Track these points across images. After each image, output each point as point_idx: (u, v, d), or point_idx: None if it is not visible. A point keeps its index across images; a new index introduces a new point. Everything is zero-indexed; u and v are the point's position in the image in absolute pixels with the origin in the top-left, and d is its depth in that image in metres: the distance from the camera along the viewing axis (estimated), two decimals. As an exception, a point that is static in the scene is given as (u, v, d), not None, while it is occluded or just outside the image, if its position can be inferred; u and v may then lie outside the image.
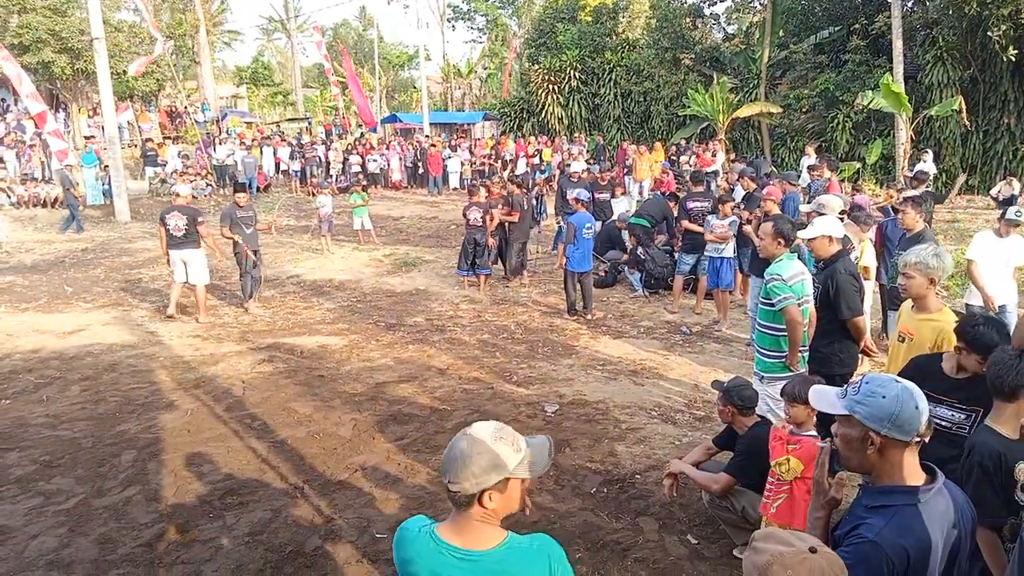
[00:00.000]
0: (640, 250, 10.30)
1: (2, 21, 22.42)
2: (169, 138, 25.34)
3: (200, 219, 9.35)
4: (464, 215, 10.79)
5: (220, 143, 24.57)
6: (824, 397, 2.08)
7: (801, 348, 4.48)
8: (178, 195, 9.70)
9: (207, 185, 21.79)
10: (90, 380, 7.13)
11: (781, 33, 22.34)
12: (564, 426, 5.84)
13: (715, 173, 17.60)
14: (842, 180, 15.09)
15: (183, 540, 4.28)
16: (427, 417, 6.07)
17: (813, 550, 1.53)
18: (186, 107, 29.16)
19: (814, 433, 3.57)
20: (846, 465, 2.08)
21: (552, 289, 10.78)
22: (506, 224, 10.89)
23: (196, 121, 27.52)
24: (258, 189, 22.33)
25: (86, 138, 22.08)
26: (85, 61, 21.45)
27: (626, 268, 10.60)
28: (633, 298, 10.11)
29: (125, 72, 23.48)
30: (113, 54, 20.51)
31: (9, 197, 18.91)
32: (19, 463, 5.34)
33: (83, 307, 10.08)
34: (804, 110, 21.28)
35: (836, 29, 21.43)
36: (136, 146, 25.00)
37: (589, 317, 9.11)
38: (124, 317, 9.51)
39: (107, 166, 17.93)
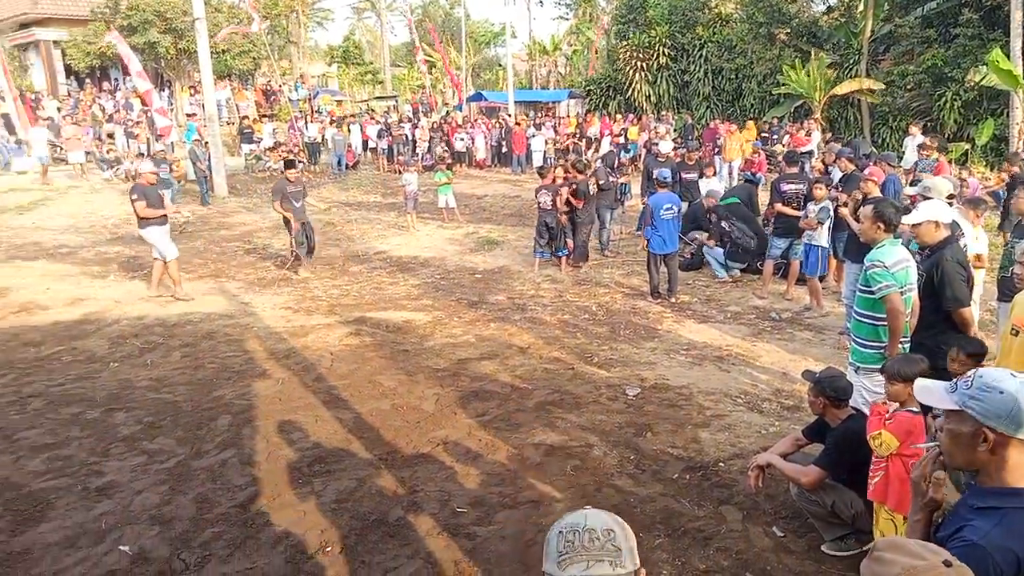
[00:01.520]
0: (724, 223, 9.97)
1: (114, 3, 23.60)
2: (265, 116, 26.23)
3: (134, 196, 9.10)
4: (536, 197, 10.73)
5: (311, 121, 25.29)
6: (931, 392, 1.96)
7: (902, 339, 4.25)
8: (140, 173, 9.59)
9: (299, 162, 22.45)
10: (190, 347, 7.51)
11: (886, 6, 21.11)
12: (646, 410, 5.77)
13: (809, 154, 16.91)
14: (949, 162, 14.21)
15: (273, 504, 4.47)
16: (508, 395, 6.11)
17: (948, 563, 1.41)
18: (280, 86, 30.09)
19: (915, 409, 3.41)
20: (949, 462, 1.96)
21: (635, 271, 10.63)
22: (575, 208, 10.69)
23: (289, 99, 28.37)
24: (347, 166, 22.88)
25: (187, 115, 23.10)
26: (188, 41, 22.39)
27: (706, 246, 10.24)
28: (720, 282, 9.84)
29: (225, 51, 24.39)
30: (213, 34, 21.31)
31: (113, 169, 20.00)
32: (125, 423, 5.68)
33: (184, 277, 10.58)
34: (908, 87, 20.07)
35: (946, 1, 20.08)
36: (233, 124, 25.99)
37: (673, 301, 8.93)
38: (221, 288, 9.96)
39: (207, 142, 18.69)
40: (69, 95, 27.73)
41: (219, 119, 22.11)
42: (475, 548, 3.96)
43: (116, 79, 29.59)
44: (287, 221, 10.62)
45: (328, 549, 3.99)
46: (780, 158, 9.45)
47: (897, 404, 3.50)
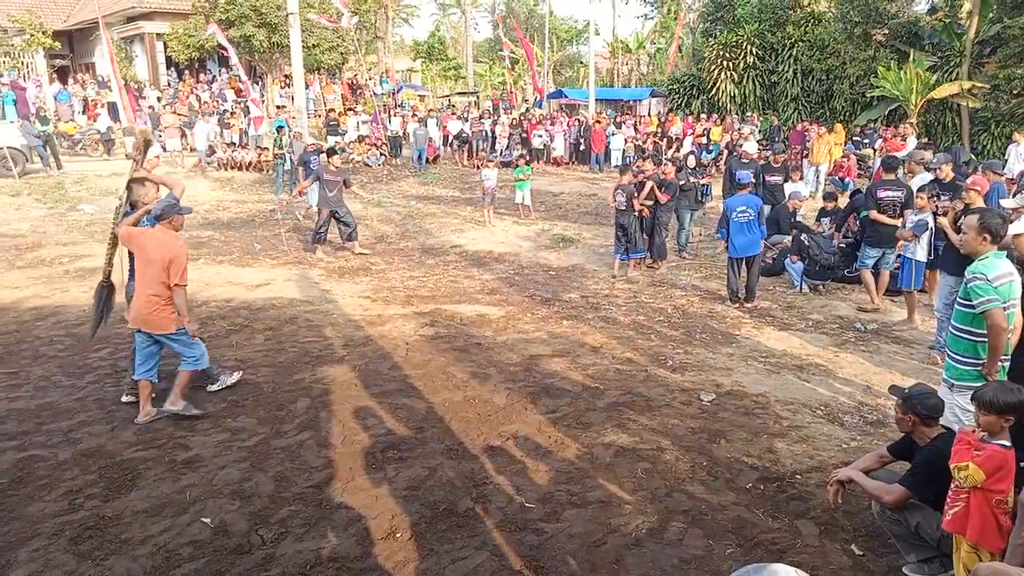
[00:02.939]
0: (804, 236, 9.64)
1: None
2: (351, 109, 26.89)
3: None
4: (612, 196, 10.32)
5: (394, 115, 25.77)
6: None
7: (1003, 357, 4.02)
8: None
9: (381, 155, 22.96)
10: (272, 331, 7.77)
11: (995, 6, 19.95)
12: (720, 416, 5.65)
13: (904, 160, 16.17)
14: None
15: (347, 487, 4.59)
16: (579, 393, 6.08)
17: None
18: (367, 80, 30.77)
19: (1006, 443, 3.22)
20: None
21: (713, 274, 10.41)
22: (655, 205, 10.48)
23: (374, 93, 28.98)
24: (427, 160, 23.23)
25: (278, 107, 23.90)
26: (280, 35, 23.16)
27: (787, 258, 9.94)
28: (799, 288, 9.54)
29: (315, 46, 25.09)
30: (305, 28, 21.96)
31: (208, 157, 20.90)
32: (211, 400, 5.93)
33: (269, 263, 10.98)
34: (1015, 92, 18.91)
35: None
36: (320, 116, 26.74)
37: (749, 307, 8.70)
38: (303, 275, 10.27)
39: (299, 133, 19.31)
40: (169, 85, 29.11)
41: (307, 112, 22.81)
42: (542, 544, 3.96)
43: (212, 71, 30.86)
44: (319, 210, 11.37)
45: (398, 535, 4.07)
46: (880, 164, 8.95)
47: (986, 434, 3.31)
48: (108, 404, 5.84)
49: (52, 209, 15.21)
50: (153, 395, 5.62)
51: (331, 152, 11.70)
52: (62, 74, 29.81)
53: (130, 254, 5.76)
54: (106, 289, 6.28)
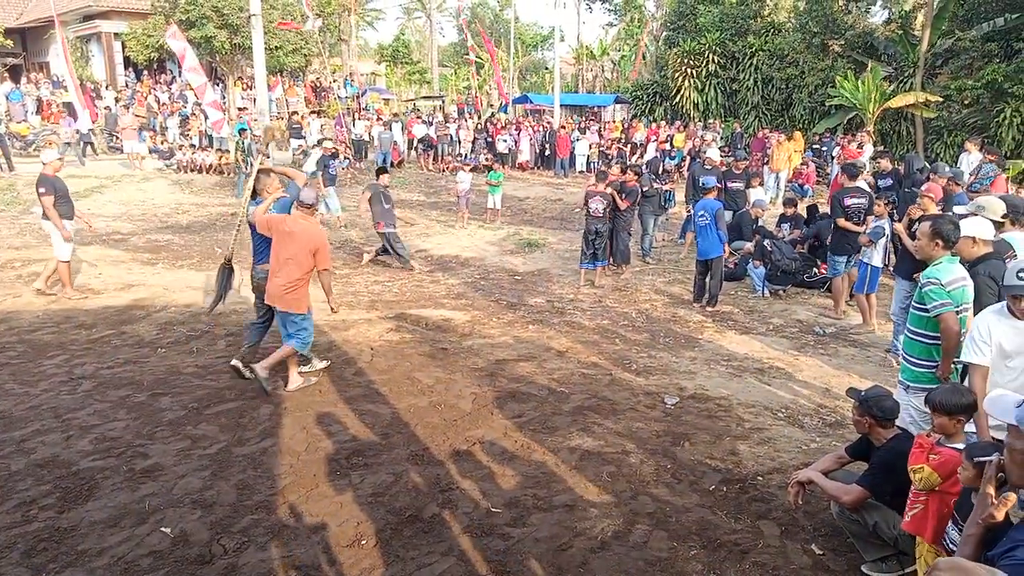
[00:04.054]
0: (767, 242, 9.82)
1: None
2: (314, 112, 26.66)
3: (41, 189, 8.59)
4: (585, 202, 10.13)
5: (359, 118, 25.60)
6: (1000, 404, 1.92)
7: (956, 360, 4.14)
8: (44, 164, 8.94)
9: (344, 159, 22.76)
10: (235, 336, 7.65)
11: (947, 20, 20.55)
12: (684, 420, 5.71)
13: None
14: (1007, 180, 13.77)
15: (311, 494, 4.53)
16: (545, 398, 6.10)
17: None
18: (331, 83, 30.52)
19: (960, 446, 3.31)
20: (1009, 479, 1.93)
21: (677, 279, 10.54)
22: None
23: (338, 96, 28.77)
24: (392, 164, 23.13)
25: (239, 109, 23.59)
26: (242, 36, 22.87)
27: (750, 263, 10.12)
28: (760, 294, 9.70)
29: (278, 48, 24.82)
30: (268, 30, 21.72)
31: (166, 160, 20.51)
32: (171, 407, 5.82)
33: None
34: (966, 102, 19.52)
35: (1015, 17, 19.47)
36: (283, 118, 26.45)
37: (710, 311, 8.83)
38: (266, 279, 10.11)
39: (257, 136, 19.06)
40: (127, 86, 28.54)
41: (269, 114, 22.54)
42: (508, 549, 3.96)
43: (172, 71, 30.34)
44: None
45: (363, 542, 4.03)
46: (841, 171, 9.12)
47: (943, 436, 3.40)
48: (63, 412, 5.69)
49: (3, 212, 14.78)
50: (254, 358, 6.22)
51: (382, 171, 11.45)
52: (14, 73, 29.03)
53: (255, 238, 6.38)
54: (227, 270, 7.06)
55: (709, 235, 8.84)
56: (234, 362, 6.36)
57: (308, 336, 6.28)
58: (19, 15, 30.62)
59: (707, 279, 9.00)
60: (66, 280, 8.97)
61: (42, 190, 8.59)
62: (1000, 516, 1.96)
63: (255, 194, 6.46)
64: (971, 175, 9.10)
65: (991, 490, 2.02)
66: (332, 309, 6.49)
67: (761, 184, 13.85)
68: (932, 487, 3.29)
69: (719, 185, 10.44)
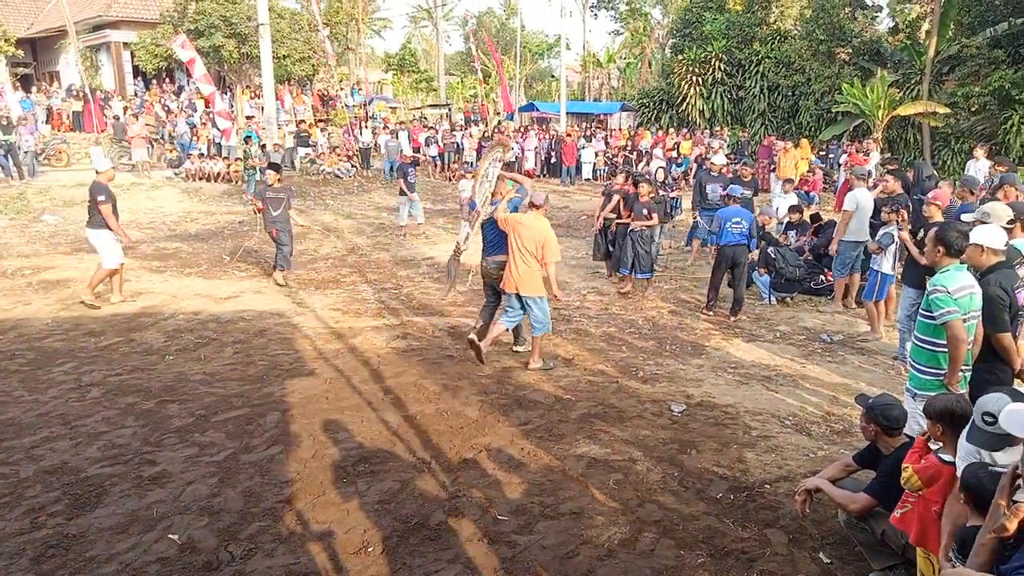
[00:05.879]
0: (771, 249, 9.79)
1: (182, 8, 24.42)
2: (321, 121, 26.78)
3: (101, 197, 8.70)
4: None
5: (365, 127, 25.72)
6: (1017, 417, 1.92)
7: (963, 367, 4.13)
8: (96, 171, 9.06)
9: (352, 167, 22.87)
10: (242, 343, 7.68)
11: (953, 27, 20.55)
12: (691, 427, 5.70)
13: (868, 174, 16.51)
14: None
15: (318, 501, 4.54)
16: (551, 405, 6.10)
17: None
18: (338, 92, 30.68)
19: (947, 458, 3.31)
20: None
21: (683, 286, 10.53)
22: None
23: (346, 105, 28.91)
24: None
25: (247, 118, 23.72)
26: (251, 46, 23.02)
27: (755, 271, 10.08)
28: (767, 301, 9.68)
29: (286, 56, 24.98)
30: (275, 39, 21.86)
31: (174, 168, 20.62)
32: (179, 415, 5.84)
33: (238, 275, 10.86)
34: (973, 109, 19.49)
35: (1019, 22, 19.45)
36: (291, 125, 26.59)
37: (710, 314, 8.88)
38: (273, 287, 10.16)
39: (263, 144, 19.16)
40: (136, 95, 28.73)
41: (277, 122, 22.66)
42: (515, 557, 3.96)
43: (180, 80, 30.54)
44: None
45: (370, 549, 4.04)
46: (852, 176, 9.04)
47: (941, 444, 3.40)
48: (72, 419, 5.72)
49: (14, 220, 14.89)
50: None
51: (273, 167, 10.81)
52: (25, 83, 29.28)
53: (489, 233, 7.22)
54: (456, 260, 7.93)
55: (743, 239, 8.74)
56: (471, 336, 6.96)
57: (546, 319, 6.97)
58: (30, 25, 30.90)
59: (731, 285, 8.97)
60: (117, 287, 9.21)
61: (102, 198, 8.70)
62: (1012, 528, 1.94)
63: (494, 195, 7.35)
64: (988, 191, 8.89)
65: (1004, 501, 2.00)
66: (557, 297, 7.20)
67: (785, 192, 13.49)
68: (915, 490, 3.31)
69: (749, 195, 10.45)
